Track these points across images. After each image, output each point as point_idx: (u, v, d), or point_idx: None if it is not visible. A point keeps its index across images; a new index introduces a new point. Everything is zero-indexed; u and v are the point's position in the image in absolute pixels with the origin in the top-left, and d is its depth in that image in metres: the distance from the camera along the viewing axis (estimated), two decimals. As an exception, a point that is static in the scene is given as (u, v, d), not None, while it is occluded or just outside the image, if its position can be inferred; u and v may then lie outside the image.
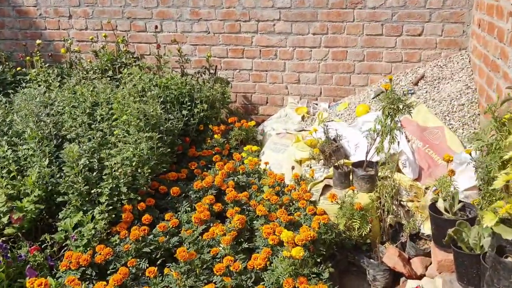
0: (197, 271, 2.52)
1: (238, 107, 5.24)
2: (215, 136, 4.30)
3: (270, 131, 4.65)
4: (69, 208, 3.01)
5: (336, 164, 3.42)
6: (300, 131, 4.46)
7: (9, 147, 3.42)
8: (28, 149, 3.38)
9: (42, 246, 2.83)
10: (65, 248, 2.92)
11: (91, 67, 4.89)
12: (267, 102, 5.25)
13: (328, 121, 4.37)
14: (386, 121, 3.10)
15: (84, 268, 2.64)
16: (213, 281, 2.52)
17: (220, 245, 2.81)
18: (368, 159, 3.31)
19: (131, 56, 5.03)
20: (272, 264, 2.62)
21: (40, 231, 3.11)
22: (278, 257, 2.64)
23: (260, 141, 4.62)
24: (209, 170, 3.79)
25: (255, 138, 4.60)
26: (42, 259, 2.74)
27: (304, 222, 3.06)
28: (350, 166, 3.41)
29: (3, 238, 2.95)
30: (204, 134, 4.37)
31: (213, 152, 4.10)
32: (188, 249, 2.69)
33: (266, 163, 3.90)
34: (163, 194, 3.41)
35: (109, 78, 4.67)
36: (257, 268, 2.58)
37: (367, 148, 3.27)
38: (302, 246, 2.62)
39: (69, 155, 3.07)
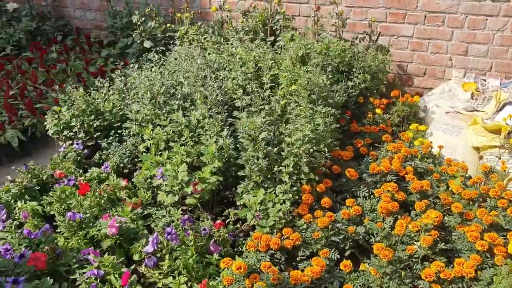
0: (402, 274, 2.29)
1: (392, 77, 4.81)
2: (377, 110, 3.97)
3: (433, 108, 4.21)
4: (249, 184, 2.89)
5: (543, 160, 2.97)
6: (472, 111, 3.98)
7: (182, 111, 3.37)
8: (200, 115, 3.30)
9: (226, 221, 2.76)
10: (243, 223, 2.83)
11: (241, 28, 4.69)
12: (424, 74, 4.76)
13: (508, 103, 3.85)
14: None
15: (273, 251, 2.52)
16: (419, 286, 2.28)
17: (415, 242, 2.55)
18: None
19: (283, 17, 4.74)
20: (482, 274, 2.32)
21: (216, 202, 3.06)
22: (490, 267, 2.33)
23: (422, 118, 4.21)
24: (375, 150, 3.50)
25: (417, 115, 4.20)
26: (226, 234, 2.68)
27: (505, 225, 2.70)
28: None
29: (183, 207, 2.94)
30: (363, 107, 4.05)
31: (378, 129, 3.78)
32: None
33: (440, 147, 3.51)
34: (336, 174, 3.19)
35: (260, 41, 4.45)
36: (468, 277, 2.30)
37: None
38: (517, 258, 2.29)
39: (250, 127, 2.93)
